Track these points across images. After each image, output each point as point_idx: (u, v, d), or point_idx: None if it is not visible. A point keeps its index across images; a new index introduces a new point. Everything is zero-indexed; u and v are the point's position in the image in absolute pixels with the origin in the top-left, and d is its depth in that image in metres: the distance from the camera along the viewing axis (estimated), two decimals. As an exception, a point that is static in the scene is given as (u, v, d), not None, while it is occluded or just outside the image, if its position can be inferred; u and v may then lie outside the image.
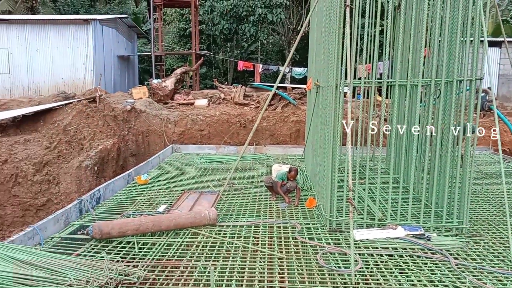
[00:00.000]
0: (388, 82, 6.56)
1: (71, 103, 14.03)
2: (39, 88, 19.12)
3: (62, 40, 18.93)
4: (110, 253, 5.01)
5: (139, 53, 26.94)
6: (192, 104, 17.30)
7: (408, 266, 4.86)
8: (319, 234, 5.92)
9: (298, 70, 22.28)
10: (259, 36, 22.78)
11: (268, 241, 5.64)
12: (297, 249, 5.34)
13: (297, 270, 4.68)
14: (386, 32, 6.17)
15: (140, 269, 4.45)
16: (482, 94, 13.08)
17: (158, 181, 9.22)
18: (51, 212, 10.24)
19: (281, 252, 5.22)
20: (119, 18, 22.20)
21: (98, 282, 3.76)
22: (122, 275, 4.12)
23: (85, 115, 13.45)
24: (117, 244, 5.38)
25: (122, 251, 5.17)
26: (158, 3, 23.27)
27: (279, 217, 6.69)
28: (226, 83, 25.02)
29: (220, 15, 22.03)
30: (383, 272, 4.68)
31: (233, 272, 4.64)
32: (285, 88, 17.91)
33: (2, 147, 11.91)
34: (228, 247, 5.36)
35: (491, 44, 18.27)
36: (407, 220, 6.18)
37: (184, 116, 15.35)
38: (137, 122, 14.91)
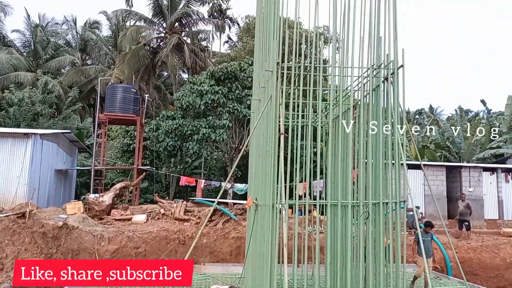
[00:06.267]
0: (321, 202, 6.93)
1: (-4, 218, 13.10)
2: (-38, 201, 17.77)
3: (-3, 152, 18.34)
4: None
5: (78, 167, 26.44)
6: (130, 219, 16.74)
7: None
8: None
9: (239, 186, 22.71)
10: (202, 153, 23.48)
11: None
12: None
13: None
14: (321, 154, 6.72)
15: None
16: (410, 213, 13.96)
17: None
18: None
19: None
20: (61, 133, 22.16)
21: None
22: None
23: (11, 232, 12.53)
24: None
25: None
26: (103, 120, 23.70)
27: None
28: (167, 197, 24.76)
29: (165, 133, 22.70)
30: None
31: None
32: (226, 203, 18.04)
33: None
34: None
35: (415, 166, 20.09)
36: None
37: (119, 232, 14.71)
38: (68, 239, 14.02)
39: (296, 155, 8.58)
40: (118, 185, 19.39)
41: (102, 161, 24.75)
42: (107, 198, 17.69)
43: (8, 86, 28.15)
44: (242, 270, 10.40)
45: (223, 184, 21.06)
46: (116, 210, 17.69)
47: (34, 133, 19.13)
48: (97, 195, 18.22)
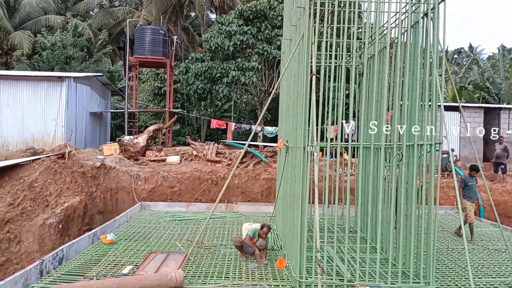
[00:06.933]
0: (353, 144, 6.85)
1: (39, 159, 13.77)
2: (6, 143, 18.70)
3: (34, 96, 18.90)
4: (70, 319, 4.78)
5: (112, 110, 27.05)
6: (164, 160, 17.26)
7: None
8: (288, 295, 5.84)
9: (269, 129, 22.77)
10: (232, 96, 23.39)
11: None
12: (265, 312, 5.23)
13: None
14: (354, 96, 6.55)
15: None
16: (444, 156, 13.69)
17: (124, 240, 8.97)
18: (9, 273, 9.69)
19: (249, 315, 5.10)
20: (94, 76, 22.48)
21: None
22: None
23: (53, 171, 13.17)
24: (77, 308, 5.14)
25: (82, 316, 4.94)
26: (133, 62, 23.77)
27: (248, 278, 6.59)
28: (199, 140, 25.21)
29: (195, 76, 22.61)
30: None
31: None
32: (257, 146, 18.21)
33: (-39, 204, 11.43)
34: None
35: (452, 108, 19.41)
36: (375, 280, 6.20)
37: (155, 172, 15.25)
38: (106, 178, 14.68)
39: (328, 97, 8.39)
40: (151, 127, 19.81)
41: (134, 104, 25.18)
42: (141, 140, 18.18)
43: (40, 30, 28.39)
44: (273, 210, 10.69)
45: (253, 127, 21.16)
46: (150, 151, 18.21)
47: (68, 76, 19.50)
48: (131, 137, 18.74)
